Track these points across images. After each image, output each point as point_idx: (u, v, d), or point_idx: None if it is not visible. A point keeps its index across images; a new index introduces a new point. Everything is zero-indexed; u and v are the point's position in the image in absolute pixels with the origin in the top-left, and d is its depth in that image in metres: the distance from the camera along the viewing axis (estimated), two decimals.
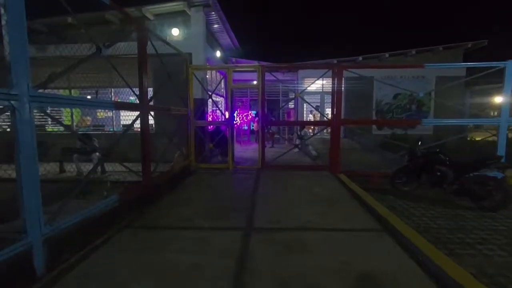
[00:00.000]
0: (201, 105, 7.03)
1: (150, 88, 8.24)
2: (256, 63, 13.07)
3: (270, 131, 13.88)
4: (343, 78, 6.10)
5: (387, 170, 6.26)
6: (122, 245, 2.76)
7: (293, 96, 15.89)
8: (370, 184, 5.64)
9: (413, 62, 11.72)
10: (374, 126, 12.49)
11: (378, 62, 12.28)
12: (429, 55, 11.92)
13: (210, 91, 7.34)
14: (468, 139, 12.16)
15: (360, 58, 12.11)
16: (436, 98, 12.24)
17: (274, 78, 12.58)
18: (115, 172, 6.18)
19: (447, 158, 4.61)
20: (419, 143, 5.18)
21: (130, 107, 4.32)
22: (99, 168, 6.39)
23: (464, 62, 12.28)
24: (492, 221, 3.88)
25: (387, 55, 11.96)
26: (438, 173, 4.58)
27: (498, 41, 11.82)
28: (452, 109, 12.14)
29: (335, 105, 6.09)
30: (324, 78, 13.58)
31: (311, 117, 14.23)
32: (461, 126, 11.72)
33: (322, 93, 12.86)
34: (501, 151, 5.64)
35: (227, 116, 10.45)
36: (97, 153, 6.12)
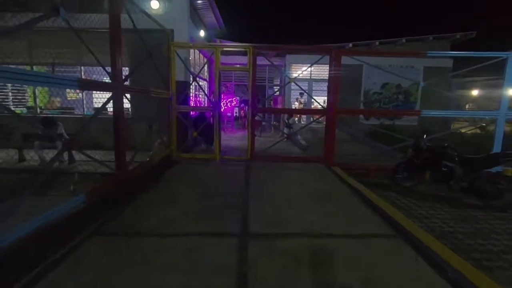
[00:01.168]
0: (184, 88, 6.35)
1: (126, 68, 7.44)
2: None
3: (256, 118, 13.36)
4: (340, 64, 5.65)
5: (384, 163, 5.99)
6: (90, 260, 2.20)
7: (279, 82, 15.40)
8: (367, 178, 5.34)
9: (402, 48, 11.49)
10: (361, 116, 12.29)
11: (368, 49, 11.95)
12: (419, 44, 11.74)
13: (194, 74, 6.67)
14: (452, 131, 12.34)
15: (350, 45, 11.72)
16: (425, 89, 12.21)
17: (260, 63, 11.97)
18: (86, 162, 5.46)
19: (456, 154, 4.35)
20: (425, 136, 4.87)
21: (100, 86, 3.63)
22: (66, 158, 5.62)
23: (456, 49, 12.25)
24: (507, 223, 3.65)
25: (377, 43, 11.65)
26: (445, 169, 4.31)
27: (485, 33, 11.79)
28: (438, 100, 12.23)
29: (332, 92, 5.65)
30: (312, 65, 13.25)
31: (296, 105, 13.82)
32: (445, 118, 11.78)
33: (310, 80, 12.41)
34: (498, 144, 5.50)
35: (212, 101, 9.82)
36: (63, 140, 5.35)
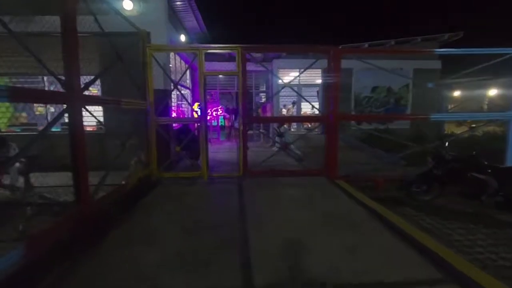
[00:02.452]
0: (163, 97, 5.58)
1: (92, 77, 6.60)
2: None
3: (236, 128, 12.62)
4: (339, 66, 5.07)
5: (389, 172, 5.43)
6: None
7: (265, 89, 14.81)
8: (376, 191, 4.73)
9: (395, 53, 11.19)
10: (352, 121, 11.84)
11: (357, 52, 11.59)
12: (407, 46, 11.49)
13: (174, 81, 5.92)
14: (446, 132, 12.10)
15: (340, 47, 11.32)
16: (415, 91, 11.97)
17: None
18: (49, 189, 4.58)
19: (487, 164, 3.80)
20: (446, 144, 4.30)
21: (45, 97, 2.84)
22: (21, 184, 4.69)
23: (441, 54, 12.09)
24: None
25: (366, 45, 11.31)
26: (475, 182, 3.75)
27: (472, 34, 11.72)
28: (428, 102, 11.99)
29: (332, 98, 5.06)
30: (300, 69, 12.77)
31: (284, 112, 13.23)
32: (439, 122, 11.52)
33: (299, 85, 11.89)
34: (511, 148, 5.06)
35: (196, 111, 9.03)
36: (17, 164, 4.43)
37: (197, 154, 6.28)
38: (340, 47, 11.17)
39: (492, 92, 18.07)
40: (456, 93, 20.29)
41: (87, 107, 2.97)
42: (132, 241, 2.73)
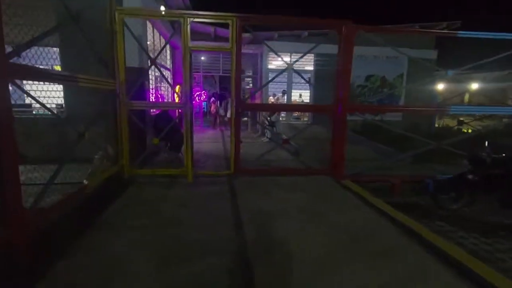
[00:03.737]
0: (138, 77, 4.55)
1: (55, 49, 5.43)
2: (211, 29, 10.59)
3: (221, 115, 11.65)
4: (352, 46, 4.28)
5: (401, 171, 4.82)
6: None
7: (251, 74, 13.81)
8: (391, 194, 4.10)
9: (389, 39, 10.54)
10: None
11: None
12: (405, 34, 10.89)
13: (152, 58, 4.87)
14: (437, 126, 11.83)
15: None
16: (409, 82, 11.48)
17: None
18: None
19: None
20: (486, 143, 3.67)
21: None
22: None
23: (437, 43, 11.62)
24: None
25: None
26: None
27: (470, 23, 11.30)
28: (423, 93, 11.57)
29: (342, 85, 4.29)
30: (293, 54, 11.88)
31: (272, 100, 12.37)
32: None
33: (289, 71, 11.04)
34: None
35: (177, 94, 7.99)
36: None
37: (179, 145, 5.37)
38: None
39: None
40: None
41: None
42: (79, 284, 1.87)
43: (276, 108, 8.19)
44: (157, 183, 3.99)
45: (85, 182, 3.39)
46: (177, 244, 2.37)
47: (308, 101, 12.76)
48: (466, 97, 20.14)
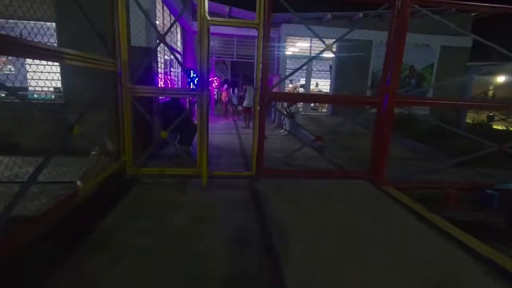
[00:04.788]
0: (144, 58, 3.83)
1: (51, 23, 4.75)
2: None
3: (234, 104, 10.92)
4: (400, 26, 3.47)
5: (453, 177, 4.07)
6: None
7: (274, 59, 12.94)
8: (445, 206, 3.38)
9: (419, 23, 9.50)
10: None
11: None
12: (438, 17, 9.84)
13: (161, 34, 4.14)
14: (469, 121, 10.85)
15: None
16: (439, 73, 10.49)
17: (248, 33, 9.56)
18: None
19: None
20: None
21: None
22: None
23: (473, 27, 10.49)
24: None
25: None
26: None
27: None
28: (453, 86, 10.56)
29: (392, 72, 3.52)
30: (313, 40, 10.95)
31: (290, 88, 11.51)
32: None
33: (310, 58, 10.19)
34: None
35: (192, 79, 7.27)
36: None
37: (190, 138, 4.72)
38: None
39: None
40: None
41: None
42: None
43: (309, 99, 7.36)
44: (165, 184, 3.36)
45: (78, 183, 2.78)
46: (189, 276, 1.73)
47: (327, 91, 11.87)
48: (490, 92, 18.72)
